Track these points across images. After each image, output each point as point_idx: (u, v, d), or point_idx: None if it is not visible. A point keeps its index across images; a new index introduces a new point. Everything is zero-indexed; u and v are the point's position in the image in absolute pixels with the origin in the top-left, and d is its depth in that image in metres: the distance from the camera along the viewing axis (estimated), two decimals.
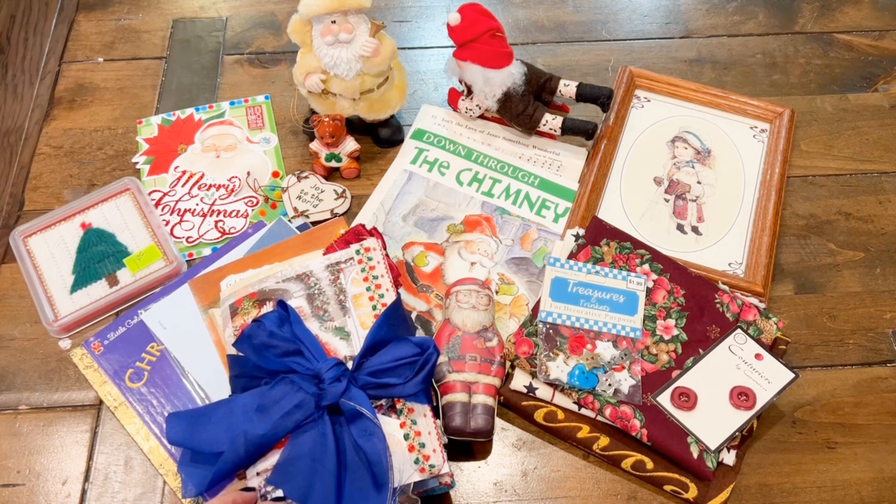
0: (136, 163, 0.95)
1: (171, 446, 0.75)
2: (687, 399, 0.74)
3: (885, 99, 1.03)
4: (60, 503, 0.74)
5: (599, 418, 0.75)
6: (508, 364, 0.78)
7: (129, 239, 0.88)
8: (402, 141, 0.98)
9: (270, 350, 0.70)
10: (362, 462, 0.65)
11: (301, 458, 0.65)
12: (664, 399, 0.75)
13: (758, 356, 0.77)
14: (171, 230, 0.90)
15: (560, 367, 0.75)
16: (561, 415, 0.76)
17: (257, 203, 0.92)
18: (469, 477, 0.75)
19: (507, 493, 0.74)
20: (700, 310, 0.80)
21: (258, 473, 0.66)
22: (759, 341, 0.78)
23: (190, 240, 0.89)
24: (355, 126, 0.96)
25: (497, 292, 0.85)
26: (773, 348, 0.79)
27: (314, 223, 0.90)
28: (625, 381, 0.75)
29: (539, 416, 0.76)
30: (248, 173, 0.94)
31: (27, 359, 0.82)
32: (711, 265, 0.87)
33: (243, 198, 0.93)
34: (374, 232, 0.82)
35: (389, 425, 0.68)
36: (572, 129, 0.92)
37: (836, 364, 0.82)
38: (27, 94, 1.04)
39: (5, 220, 0.92)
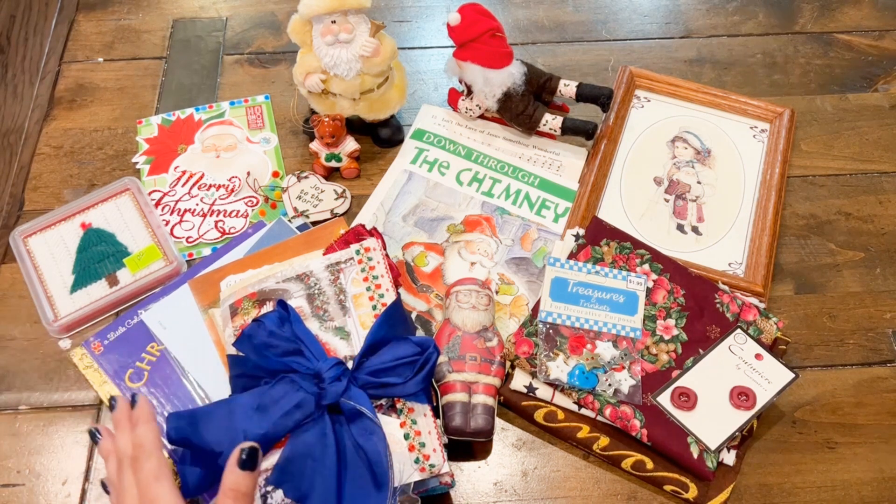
0: (136, 163, 0.95)
1: (170, 446, 0.75)
2: (687, 399, 0.74)
3: (885, 99, 1.03)
4: (60, 503, 0.74)
5: (599, 418, 0.75)
6: (508, 364, 0.78)
7: (129, 239, 0.88)
8: (402, 141, 0.98)
9: (270, 350, 0.70)
10: (363, 461, 0.65)
11: (301, 457, 0.65)
12: (664, 399, 0.75)
13: (758, 356, 0.77)
14: (171, 230, 0.90)
15: (560, 367, 0.75)
16: (561, 415, 0.76)
17: (257, 203, 0.92)
18: (469, 477, 0.75)
19: (507, 493, 0.74)
20: (700, 310, 0.80)
21: None
22: (759, 341, 0.78)
23: (190, 240, 0.89)
24: (355, 126, 0.96)
25: (497, 292, 0.85)
26: (773, 348, 0.79)
27: (314, 223, 0.90)
28: (625, 381, 0.75)
29: (539, 416, 0.76)
30: (248, 173, 0.94)
31: (27, 359, 0.82)
32: (711, 265, 0.87)
33: (243, 198, 0.93)
34: (374, 232, 0.82)
35: (389, 425, 0.68)
36: (572, 129, 0.92)
37: (836, 364, 0.82)
38: (27, 94, 1.04)
39: (5, 220, 0.92)
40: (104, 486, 0.63)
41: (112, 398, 0.65)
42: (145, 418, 0.63)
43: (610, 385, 0.75)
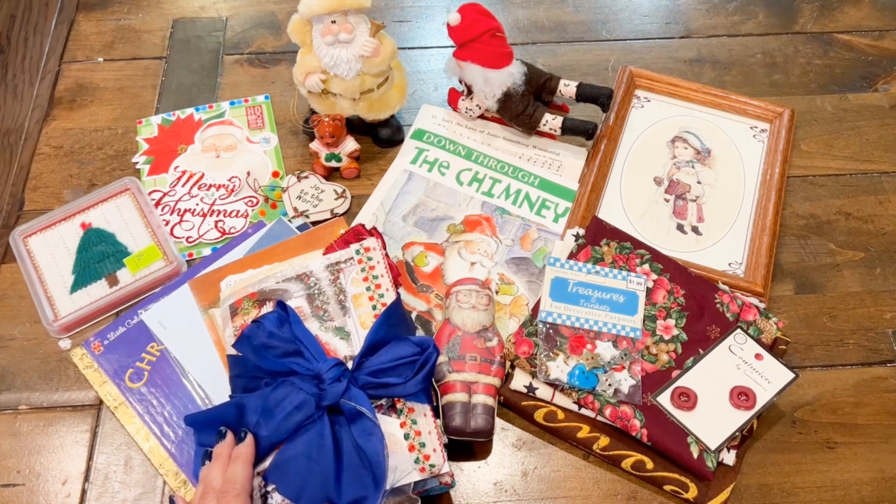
0: (136, 163, 0.95)
1: (170, 446, 0.75)
2: (687, 399, 0.74)
3: (885, 99, 1.03)
4: (60, 503, 0.74)
5: (599, 418, 0.75)
6: (508, 364, 0.78)
7: (129, 239, 0.88)
8: (402, 141, 0.98)
9: (270, 351, 0.70)
10: (363, 462, 0.65)
11: (297, 457, 0.65)
12: (664, 399, 0.75)
13: (758, 356, 0.77)
14: (171, 230, 0.90)
15: (560, 367, 0.75)
16: (561, 415, 0.76)
17: (257, 203, 0.92)
18: (469, 477, 0.75)
19: (507, 493, 0.74)
20: (700, 310, 0.80)
21: (258, 473, 0.66)
22: (759, 341, 0.78)
23: (190, 240, 0.89)
24: (355, 126, 0.96)
25: (497, 292, 0.85)
26: (773, 348, 0.79)
27: (314, 223, 0.90)
28: (625, 381, 0.75)
29: (539, 416, 0.76)
30: (248, 173, 0.94)
31: (27, 359, 0.82)
32: (711, 265, 0.87)
33: (243, 198, 0.93)
34: (374, 232, 0.82)
35: (390, 425, 0.68)
36: (572, 129, 0.92)
37: (836, 364, 0.82)
38: (27, 94, 1.04)
39: (5, 220, 0.92)
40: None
41: (222, 428, 0.67)
42: (244, 458, 0.64)
43: (610, 385, 0.75)
